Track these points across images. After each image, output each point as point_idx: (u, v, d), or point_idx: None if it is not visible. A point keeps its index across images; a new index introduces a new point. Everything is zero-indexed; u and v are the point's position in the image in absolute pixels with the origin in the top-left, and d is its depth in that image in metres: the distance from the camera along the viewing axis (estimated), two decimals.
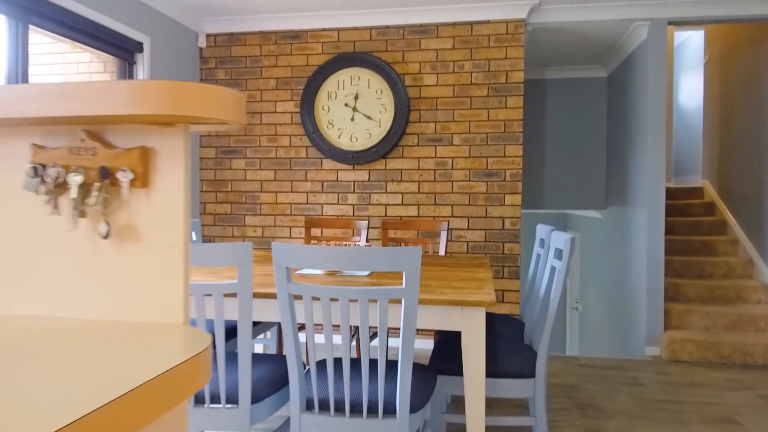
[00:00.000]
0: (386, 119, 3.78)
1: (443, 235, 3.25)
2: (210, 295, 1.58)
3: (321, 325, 2.53)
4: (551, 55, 4.67)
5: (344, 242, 3.46)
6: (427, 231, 3.77)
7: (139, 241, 0.81)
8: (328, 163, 3.93)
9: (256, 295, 1.69)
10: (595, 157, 5.09)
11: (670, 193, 5.18)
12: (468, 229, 3.77)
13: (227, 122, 0.80)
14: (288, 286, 1.50)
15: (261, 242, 4.05)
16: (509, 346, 2.05)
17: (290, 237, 4.01)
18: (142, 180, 0.81)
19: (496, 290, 3.74)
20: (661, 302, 3.72)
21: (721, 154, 4.88)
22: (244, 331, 1.54)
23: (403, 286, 1.45)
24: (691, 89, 6.09)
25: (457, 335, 2.12)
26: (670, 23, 3.72)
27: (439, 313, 1.72)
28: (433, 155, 3.80)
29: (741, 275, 4.20)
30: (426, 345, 3.84)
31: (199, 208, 4.13)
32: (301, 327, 2.82)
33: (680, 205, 4.99)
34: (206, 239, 4.12)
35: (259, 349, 3.22)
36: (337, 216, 3.93)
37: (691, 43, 6.18)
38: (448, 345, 2.06)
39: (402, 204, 3.85)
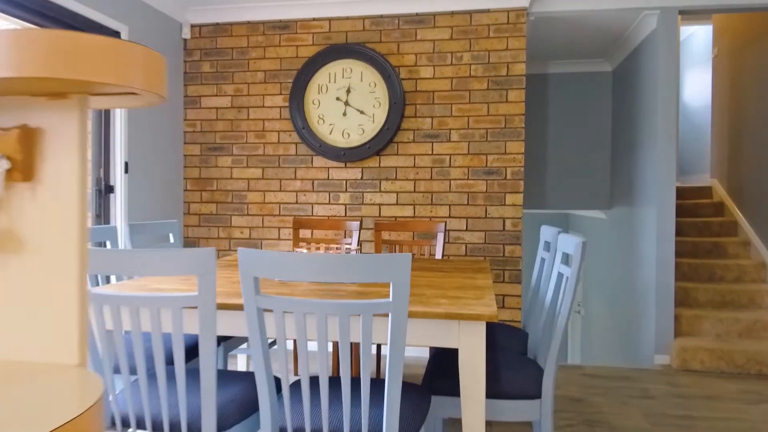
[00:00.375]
0: (380, 114, 3.57)
1: (440, 236, 3.06)
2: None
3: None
4: (554, 49, 4.47)
5: (334, 245, 3.26)
6: (423, 232, 3.56)
7: (20, 252, 0.61)
8: (318, 161, 3.73)
9: (221, 307, 1.49)
10: (600, 155, 4.90)
11: (677, 193, 4.97)
12: (466, 230, 3.57)
13: (137, 91, 0.60)
14: (256, 299, 1.29)
15: (248, 244, 3.84)
16: (511, 360, 1.85)
17: (279, 239, 3.80)
18: (23, 171, 0.60)
19: (496, 295, 3.54)
20: (671, 307, 3.52)
21: (730, 151, 4.69)
22: (206, 350, 1.34)
23: (390, 299, 1.25)
24: (696, 85, 5.90)
25: (453, 351, 1.91)
26: (680, 12, 3.52)
27: (433, 328, 1.51)
28: (430, 152, 3.59)
29: (754, 279, 4.00)
30: (422, 353, 3.64)
31: (183, 208, 3.92)
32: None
33: (688, 205, 4.79)
34: (190, 241, 3.92)
35: (242, 361, 3.02)
36: (328, 216, 3.73)
37: (697, 38, 5.98)
38: (443, 362, 1.86)
39: (397, 204, 3.65)
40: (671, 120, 3.51)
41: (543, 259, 2.29)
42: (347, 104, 3.62)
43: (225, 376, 1.72)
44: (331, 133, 3.65)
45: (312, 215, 3.75)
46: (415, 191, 3.63)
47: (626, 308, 4.29)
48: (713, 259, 4.19)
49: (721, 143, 4.92)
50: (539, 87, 4.93)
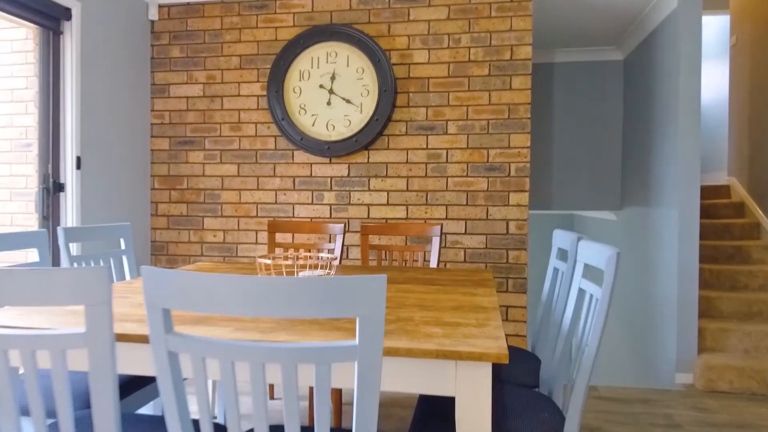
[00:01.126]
0: (369, 103, 3.20)
1: (435, 241, 2.68)
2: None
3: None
4: (560, 35, 4.10)
5: (317, 250, 2.89)
6: (416, 236, 3.19)
7: None
8: (299, 156, 3.35)
9: (129, 339, 1.11)
10: (610, 151, 4.53)
11: None
12: (465, 233, 3.20)
13: None
14: (166, 340, 0.91)
15: (222, 248, 3.47)
16: (521, 400, 1.48)
17: (256, 242, 3.43)
18: None
19: (501, 306, 3.16)
20: (694, 320, 3.15)
21: (751, 147, 4.31)
22: (101, 405, 0.96)
23: (356, 340, 0.87)
24: (710, 78, 5.53)
25: (447, 398, 1.53)
26: None
27: (421, 370, 1.14)
28: (425, 146, 3.22)
29: None
30: None
31: (150, 208, 3.54)
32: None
33: (705, 206, 4.41)
34: (158, 245, 3.54)
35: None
36: (311, 218, 3.35)
37: (709, 29, 5.62)
38: (435, 409, 1.48)
39: (387, 204, 3.27)
40: (694, 112, 3.15)
41: (557, 270, 1.92)
42: (332, 92, 3.24)
43: (146, 424, 1.34)
44: (314, 124, 3.27)
45: (293, 217, 3.37)
46: (408, 190, 3.25)
47: (641, 319, 3.92)
48: (736, 264, 3.81)
49: (739, 138, 4.56)
50: (544, 77, 4.56)
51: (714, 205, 4.48)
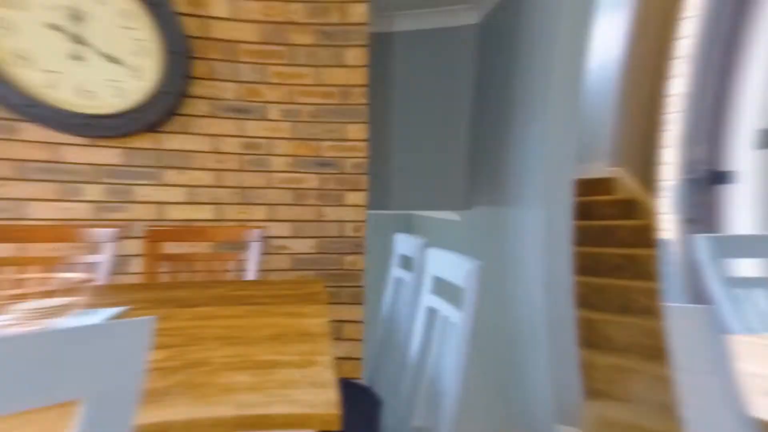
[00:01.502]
0: (150, 67, 2.63)
1: (255, 247, 2.36)
2: None
3: None
4: None
5: (66, 265, 2.32)
6: (228, 242, 2.81)
7: None
8: (32, 131, 2.62)
9: None
10: (457, 141, 4.35)
11: None
12: (293, 236, 2.92)
13: None
14: None
15: None
16: None
17: None
18: None
19: (332, 321, 2.92)
20: (572, 348, 2.76)
21: (651, 127, 3.67)
22: None
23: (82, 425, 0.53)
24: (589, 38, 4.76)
25: None
26: None
27: None
28: (239, 133, 2.85)
29: None
30: None
31: None
32: None
33: (578, 204, 3.82)
34: None
35: None
36: (63, 221, 2.71)
37: None
38: None
39: (190, 203, 2.83)
40: (575, 85, 2.77)
41: (399, 280, 1.74)
42: (80, 42, 2.55)
43: None
44: (53, 86, 2.54)
45: (25, 219, 2.67)
46: (218, 186, 2.85)
47: (498, 345, 3.48)
48: (627, 279, 3.20)
49: (632, 117, 3.90)
50: (382, 51, 4.32)
51: (591, 202, 4.02)
